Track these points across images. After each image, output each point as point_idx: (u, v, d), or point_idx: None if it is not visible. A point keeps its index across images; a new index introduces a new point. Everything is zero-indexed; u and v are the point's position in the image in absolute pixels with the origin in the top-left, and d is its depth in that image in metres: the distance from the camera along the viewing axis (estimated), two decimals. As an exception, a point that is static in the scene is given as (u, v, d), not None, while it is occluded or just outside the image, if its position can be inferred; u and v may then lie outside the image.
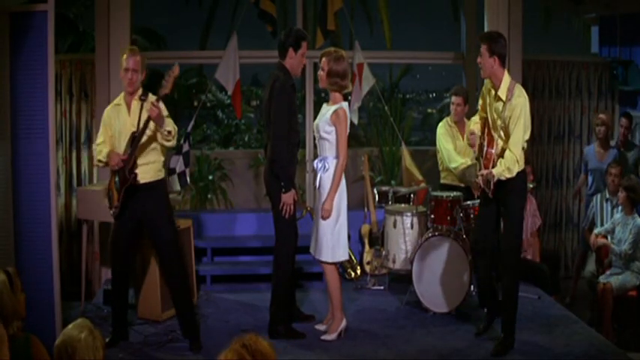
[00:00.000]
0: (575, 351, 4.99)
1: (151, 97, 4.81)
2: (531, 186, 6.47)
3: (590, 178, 7.17)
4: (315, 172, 5.20)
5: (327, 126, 5.04)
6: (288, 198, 5.11)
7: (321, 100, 5.52)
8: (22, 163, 4.93)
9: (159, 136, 4.84)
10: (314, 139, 5.33)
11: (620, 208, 6.25)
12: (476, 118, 5.16)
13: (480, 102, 5.13)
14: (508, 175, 4.75)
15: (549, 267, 6.51)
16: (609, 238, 6.24)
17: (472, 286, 5.78)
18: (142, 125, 4.76)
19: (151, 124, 4.78)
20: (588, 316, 6.19)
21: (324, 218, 5.04)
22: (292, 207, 5.13)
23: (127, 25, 6.84)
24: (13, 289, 3.21)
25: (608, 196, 6.62)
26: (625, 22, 8.19)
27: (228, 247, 6.95)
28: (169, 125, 4.80)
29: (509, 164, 4.75)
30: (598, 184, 7.01)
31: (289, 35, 5.28)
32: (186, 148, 6.61)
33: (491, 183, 4.75)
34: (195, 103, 9.19)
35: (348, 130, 5.09)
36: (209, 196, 7.93)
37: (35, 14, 4.87)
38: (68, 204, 7.35)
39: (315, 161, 5.19)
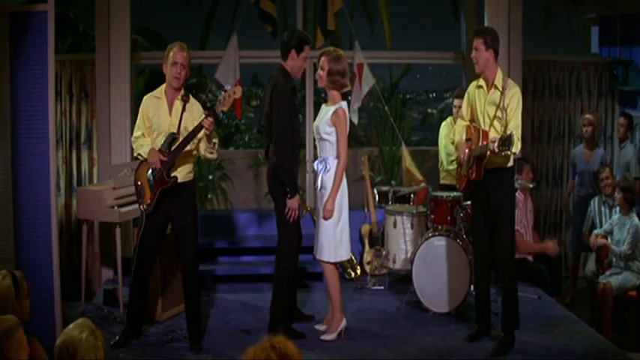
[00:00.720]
0: (575, 351, 5.00)
1: (193, 101, 4.85)
2: (531, 186, 6.48)
3: (578, 180, 7.18)
4: (315, 173, 5.20)
5: (327, 127, 5.04)
6: (293, 203, 5.10)
7: (321, 100, 5.53)
8: (22, 163, 4.92)
9: (202, 148, 4.86)
10: (314, 140, 5.34)
11: (618, 209, 6.26)
12: (459, 128, 5.15)
13: (465, 106, 5.13)
14: (512, 149, 4.61)
15: (550, 267, 6.51)
16: (609, 238, 6.24)
17: (472, 286, 5.77)
18: (185, 132, 4.75)
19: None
20: (588, 316, 6.19)
21: (326, 219, 5.04)
22: (297, 212, 5.14)
23: (127, 25, 6.84)
24: (18, 294, 3.20)
25: (604, 198, 6.62)
26: (625, 22, 8.19)
27: (228, 247, 6.95)
28: (215, 138, 4.84)
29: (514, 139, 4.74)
30: (588, 186, 7.02)
31: (292, 37, 5.27)
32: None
33: (512, 138, 4.53)
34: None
35: (348, 130, 5.09)
36: (209, 196, 7.93)
37: (35, 14, 4.87)
38: (68, 204, 7.35)
39: (316, 162, 5.19)
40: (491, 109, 4.93)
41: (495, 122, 4.91)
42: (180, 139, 4.79)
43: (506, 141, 4.55)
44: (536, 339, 5.21)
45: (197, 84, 11.59)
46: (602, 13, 8.67)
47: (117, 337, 5.01)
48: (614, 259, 6.21)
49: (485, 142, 4.83)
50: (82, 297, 6.11)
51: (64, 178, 7.31)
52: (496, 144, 4.60)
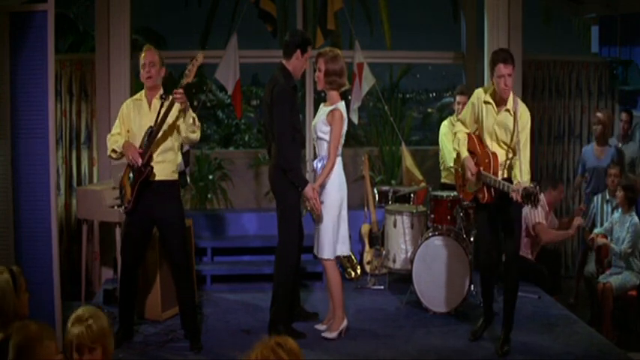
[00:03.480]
0: (575, 351, 5.00)
1: (171, 98, 4.83)
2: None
3: (588, 177, 7.19)
4: (314, 172, 5.21)
5: (324, 126, 5.05)
6: (308, 192, 5.04)
7: (320, 99, 5.54)
8: (22, 163, 4.92)
9: (183, 128, 4.85)
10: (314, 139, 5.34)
11: (620, 209, 6.25)
12: (459, 133, 5.09)
13: (468, 114, 5.05)
14: (537, 205, 4.56)
15: (550, 267, 6.52)
16: (608, 237, 6.24)
17: (472, 286, 5.78)
18: (159, 120, 4.79)
19: (169, 120, 4.82)
20: (588, 316, 6.19)
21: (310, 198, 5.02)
22: (317, 199, 5.06)
23: (127, 25, 6.84)
24: (16, 288, 3.20)
25: (608, 197, 6.63)
26: (625, 22, 8.20)
27: (228, 247, 6.96)
28: (193, 114, 4.86)
29: (529, 177, 4.71)
30: (597, 183, 7.03)
31: (297, 36, 5.28)
32: (185, 147, 6.62)
33: (538, 195, 4.38)
34: (195, 103, 9.18)
35: (344, 129, 5.08)
36: (209, 196, 7.91)
37: (35, 14, 4.87)
38: (68, 204, 7.36)
39: (315, 161, 5.19)
40: (500, 131, 4.85)
41: (498, 139, 4.87)
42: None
43: (531, 196, 4.37)
44: (536, 339, 5.21)
45: (197, 84, 11.58)
46: (602, 13, 8.67)
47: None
48: (614, 259, 6.21)
49: (496, 173, 4.75)
50: (82, 297, 6.11)
51: (64, 178, 7.31)
52: (520, 195, 4.44)
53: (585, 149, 7.32)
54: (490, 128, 4.89)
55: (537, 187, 4.42)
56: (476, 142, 4.98)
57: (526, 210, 6.46)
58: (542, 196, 6.51)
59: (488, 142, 4.91)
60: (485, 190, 4.84)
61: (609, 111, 7.76)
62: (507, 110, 4.83)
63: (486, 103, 4.91)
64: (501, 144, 4.88)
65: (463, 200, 5.71)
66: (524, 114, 4.84)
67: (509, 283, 5.01)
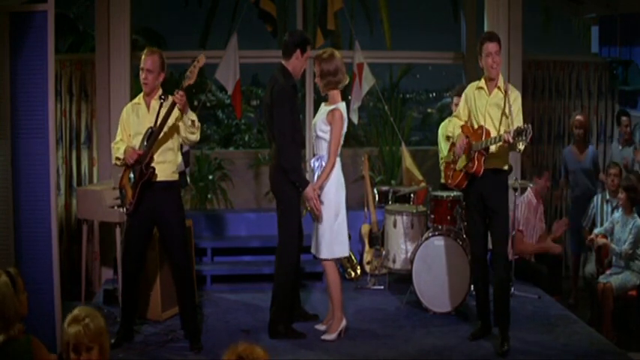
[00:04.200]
0: (575, 351, 5.00)
1: (171, 98, 4.82)
2: (531, 185, 6.49)
3: (571, 179, 7.19)
4: (312, 171, 5.21)
5: (324, 125, 5.06)
6: (308, 193, 5.05)
7: (321, 99, 5.55)
8: (22, 163, 4.92)
9: (182, 129, 4.85)
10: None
11: (620, 209, 6.25)
12: (455, 126, 5.17)
13: (462, 106, 5.16)
14: (529, 139, 4.61)
15: (550, 267, 6.51)
16: (609, 237, 6.24)
17: (472, 286, 5.77)
18: (159, 121, 4.79)
19: (170, 122, 4.82)
20: (588, 316, 6.19)
21: (309, 200, 5.04)
22: (316, 199, 5.06)
23: (127, 25, 6.84)
24: (16, 290, 3.20)
25: (608, 197, 6.62)
26: (625, 22, 8.20)
27: (228, 247, 6.96)
28: (192, 116, 4.85)
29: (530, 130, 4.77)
30: (582, 185, 7.02)
31: (296, 35, 5.29)
32: (185, 148, 6.61)
33: (529, 129, 4.55)
34: (196, 103, 9.18)
35: (344, 130, 5.09)
36: (209, 196, 7.92)
37: (35, 14, 4.87)
38: (68, 204, 7.35)
39: (312, 160, 5.21)
40: (493, 110, 4.97)
41: (500, 124, 4.94)
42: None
43: (522, 132, 4.57)
44: (536, 339, 5.21)
45: (197, 84, 11.56)
46: (602, 13, 8.68)
47: (112, 340, 5.01)
48: (614, 259, 6.21)
49: (488, 138, 4.85)
50: (82, 297, 6.11)
51: (64, 178, 7.31)
52: (511, 134, 4.62)
53: (566, 151, 7.32)
54: (484, 111, 5.00)
55: (529, 125, 4.57)
56: (469, 128, 5.08)
57: (518, 201, 6.46)
58: (528, 189, 6.51)
59: (480, 126, 5.00)
60: (476, 159, 4.92)
61: (586, 113, 7.76)
62: (498, 87, 4.97)
63: (479, 88, 5.06)
64: (495, 124, 4.96)
65: (457, 194, 5.73)
66: (514, 92, 5.01)
67: (498, 279, 5.03)
